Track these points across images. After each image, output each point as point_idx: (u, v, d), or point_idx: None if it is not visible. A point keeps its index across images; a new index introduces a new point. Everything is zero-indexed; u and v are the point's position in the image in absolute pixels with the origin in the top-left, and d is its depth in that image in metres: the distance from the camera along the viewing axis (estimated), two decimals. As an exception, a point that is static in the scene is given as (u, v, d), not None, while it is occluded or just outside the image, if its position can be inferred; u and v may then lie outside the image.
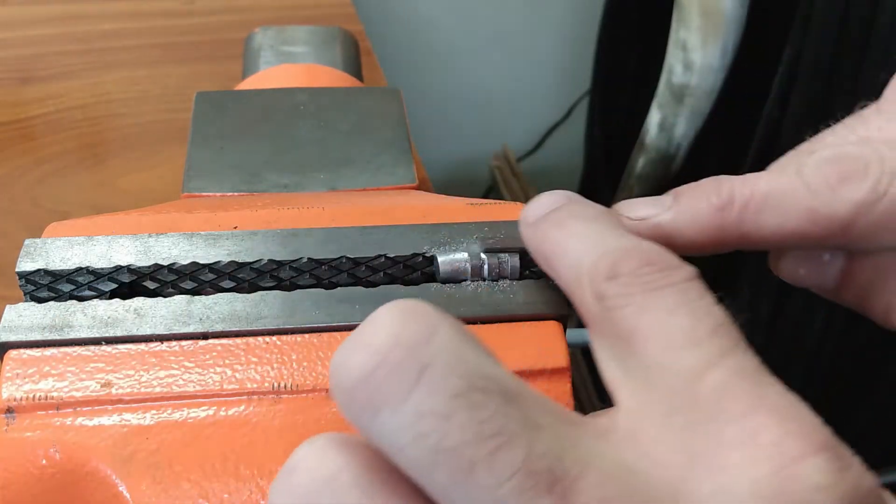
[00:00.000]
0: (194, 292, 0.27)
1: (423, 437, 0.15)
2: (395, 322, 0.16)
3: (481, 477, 0.15)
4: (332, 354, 0.24)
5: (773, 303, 0.79)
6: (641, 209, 0.25)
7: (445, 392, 0.16)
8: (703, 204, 0.24)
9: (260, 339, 0.25)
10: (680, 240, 0.24)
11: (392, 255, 0.27)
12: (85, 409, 0.23)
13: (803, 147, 0.25)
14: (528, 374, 0.25)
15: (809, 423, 0.17)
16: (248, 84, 0.46)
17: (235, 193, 0.35)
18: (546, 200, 0.24)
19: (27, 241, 0.27)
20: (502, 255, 0.27)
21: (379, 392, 0.16)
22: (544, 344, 0.25)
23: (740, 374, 0.17)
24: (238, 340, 0.25)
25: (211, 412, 0.23)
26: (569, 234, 0.22)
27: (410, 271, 0.28)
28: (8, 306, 0.25)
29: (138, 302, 0.25)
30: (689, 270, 0.20)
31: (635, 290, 0.19)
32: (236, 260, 0.27)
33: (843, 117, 0.26)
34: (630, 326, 0.19)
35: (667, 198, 0.25)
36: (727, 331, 0.18)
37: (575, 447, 0.16)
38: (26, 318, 0.25)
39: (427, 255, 0.27)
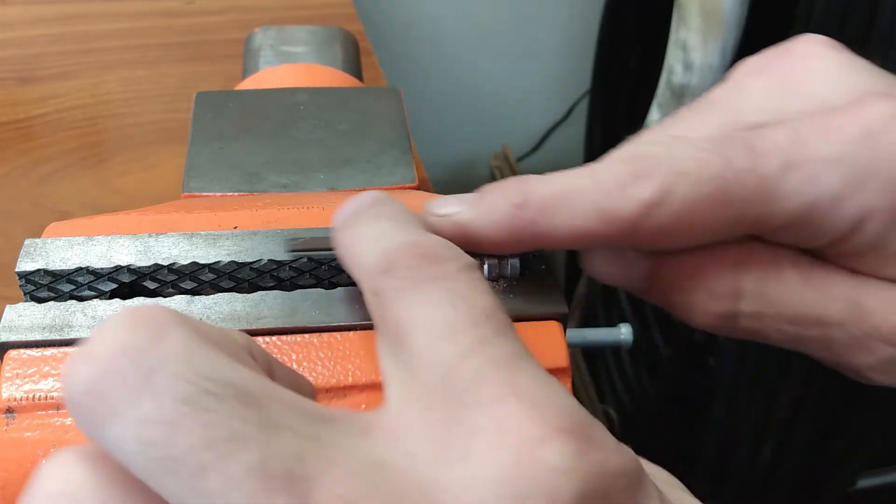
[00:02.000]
0: (194, 292, 0.27)
1: (150, 445, 0.15)
2: (119, 329, 0.16)
3: (212, 482, 0.15)
4: (333, 354, 0.25)
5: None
6: (446, 206, 0.24)
7: (171, 398, 0.15)
8: (502, 202, 0.24)
9: (260, 339, 0.25)
10: (481, 238, 0.24)
11: (392, 255, 0.27)
12: (85, 409, 0.23)
13: (619, 147, 0.25)
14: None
15: (556, 407, 0.16)
16: (248, 84, 0.46)
17: (235, 193, 0.35)
18: (351, 203, 0.24)
19: (27, 241, 0.27)
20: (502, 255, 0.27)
21: (103, 402, 0.15)
22: (544, 344, 0.25)
23: (496, 362, 0.17)
24: (238, 340, 0.25)
25: (211, 412, 0.23)
26: (359, 233, 0.22)
27: (410, 271, 0.27)
28: (8, 306, 0.25)
29: (138, 302, 0.25)
30: (461, 262, 0.20)
31: (406, 285, 0.19)
32: (236, 260, 0.27)
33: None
34: (399, 320, 0.19)
35: (472, 195, 0.24)
36: (490, 320, 0.18)
37: (321, 447, 0.16)
38: (26, 318, 0.25)
39: (427, 255, 0.27)
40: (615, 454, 0.16)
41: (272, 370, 0.19)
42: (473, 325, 0.18)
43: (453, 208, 0.24)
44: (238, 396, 0.16)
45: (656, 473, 0.18)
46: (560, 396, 0.17)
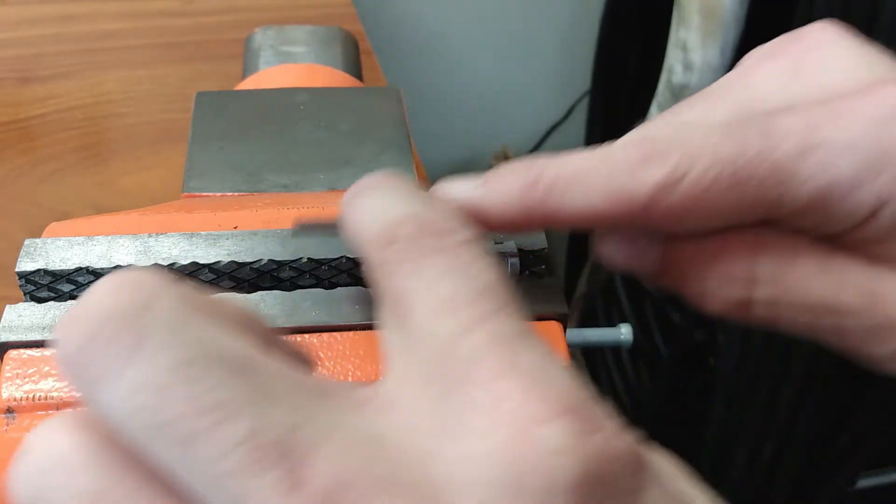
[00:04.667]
0: (194, 292, 0.27)
1: (140, 411, 0.15)
2: (111, 292, 0.16)
3: (201, 450, 0.15)
4: (333, 354, 0.25)
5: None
6: (456, 187, 0.25)
7: (162, 364, 0.15)
8: (512, 181, 0.24)
9: (260, 339, 0.25)
10: (490, 217, 0.24)
11: (392, 255, 0.27)
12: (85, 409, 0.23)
13: (631, 132, 0.25)
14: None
15: (557, 387, 0.16)
16: (248, 84, 0.46)
17: (235, 193, 0.35)
18: (360, 181, 0.23)
19: (27, 241, 0.27)
20: (502, 255, 0.27)
21: (95, 364, 0.15)
22: (544, 344, 0.25)
23: (497, 338, 0.17)
24: (238, 340, 0.25)
25: (211, 412, 0.23)
26: (363, 206, 0.22)
27: (410, 271, 0.27)
28: (8, 306, 0.25)
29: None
30: (463, 234, 0.19)
31: (409, 256, 0.19)
32: (236, 260, 0.27)
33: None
34: (401, 292, 0.19)
35: (482, 177, 0.25)
36: (492, 294, 0.18)
37: (315, 419, 0.16)
38: (26, 318, 0.25)
39: (427, 255, 0.27)
40: (616, 437, 0.16)
41: (270, 342, 0.18)
42: (474, 300, 0.18)
43: (462, 188, 0.24)
44: (228, 366, 0.16)
45: (660, 460, 0.18)
46: (561, 375, 0.17)
